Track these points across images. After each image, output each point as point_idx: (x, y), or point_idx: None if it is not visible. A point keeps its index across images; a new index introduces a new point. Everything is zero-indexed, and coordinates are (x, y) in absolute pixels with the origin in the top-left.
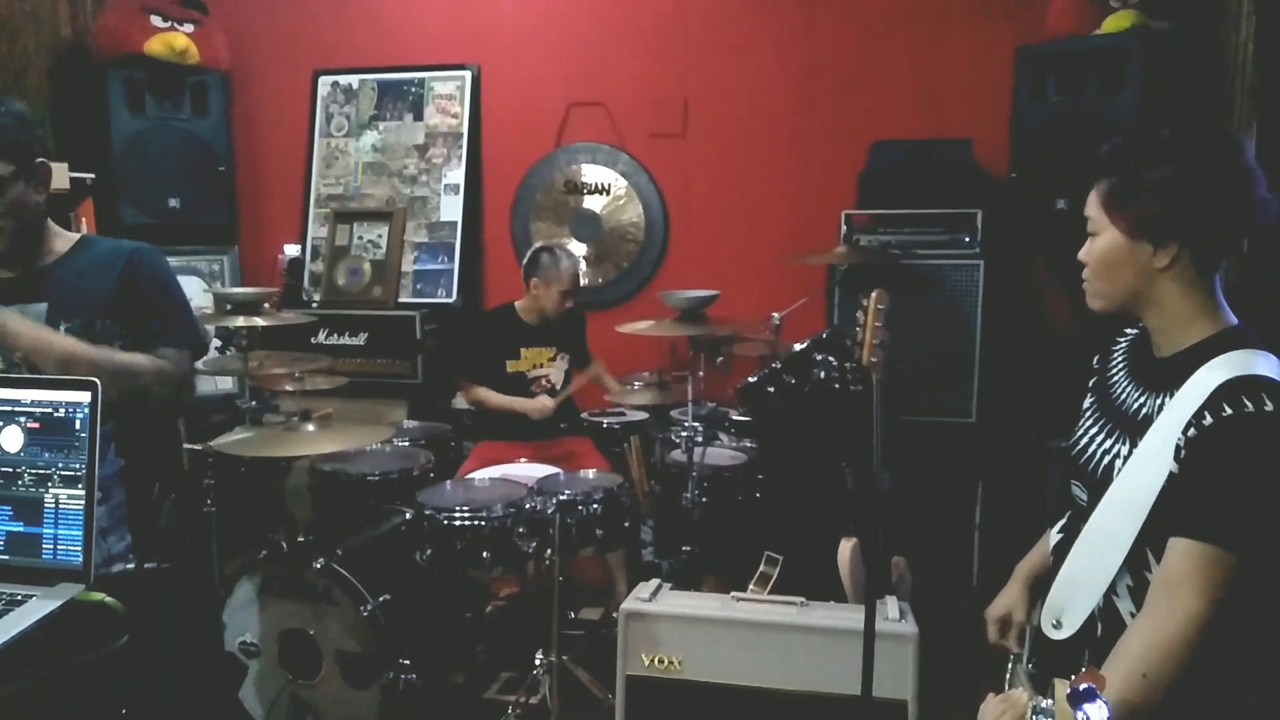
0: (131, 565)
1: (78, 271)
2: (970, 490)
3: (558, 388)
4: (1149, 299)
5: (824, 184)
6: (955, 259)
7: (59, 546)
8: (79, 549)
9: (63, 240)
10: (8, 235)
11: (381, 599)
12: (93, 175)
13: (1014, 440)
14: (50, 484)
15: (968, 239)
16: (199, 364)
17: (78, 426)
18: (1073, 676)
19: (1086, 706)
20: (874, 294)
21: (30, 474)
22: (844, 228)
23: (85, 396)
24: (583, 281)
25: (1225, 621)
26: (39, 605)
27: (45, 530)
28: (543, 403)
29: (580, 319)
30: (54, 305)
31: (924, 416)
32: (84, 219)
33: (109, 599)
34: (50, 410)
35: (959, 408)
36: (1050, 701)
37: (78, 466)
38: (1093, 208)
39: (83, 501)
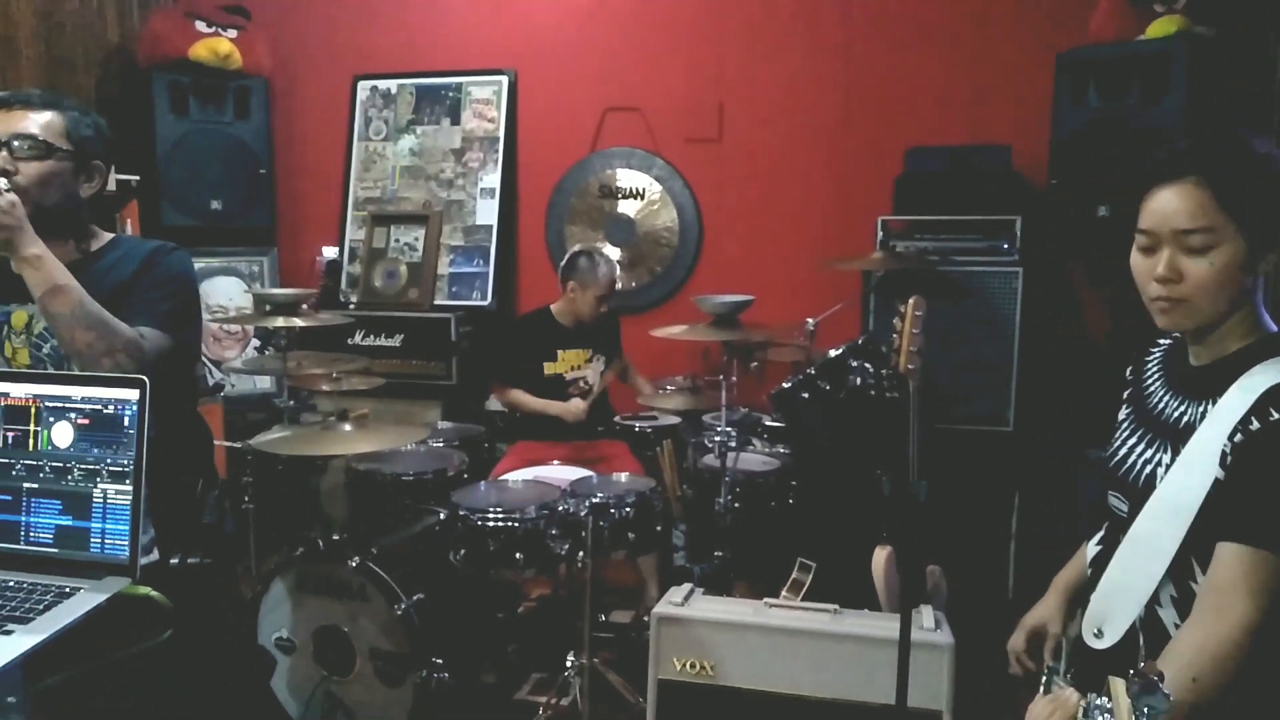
0: (155, 557)
1: (106, 266)
2: (1007, 500)
3: (594, 389)
4: (1233, 310)
5: (860, 189)
6: (993, 266)
7: (106, 541)
8: (126, 543)
9: (97, 240)
10: (33, 203)
11: (415, 598)
12: (137, 178)
13: (1051, 450)
14: (99, 479)
15: (1006, 246)
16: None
17: (126, 423)
18: (1131, 672)
19: (1148, 698)
20: (911, 300)
21: (80, 469)
22: (880, 233)
23: (134, 394)
24: (618, 286)
25: (1275, 627)
26: (86, 598)
27: (94, 524)
28: (576, 406)
29: (615, 322)
30: None
31: (961, 425)
32: (129, 220)
33: (155, 593)
34: (100, 407)
35: (996, 416)
36: (1106, 699)
37: (126, 462)
38: (1204, 215)
39: (130, 497)
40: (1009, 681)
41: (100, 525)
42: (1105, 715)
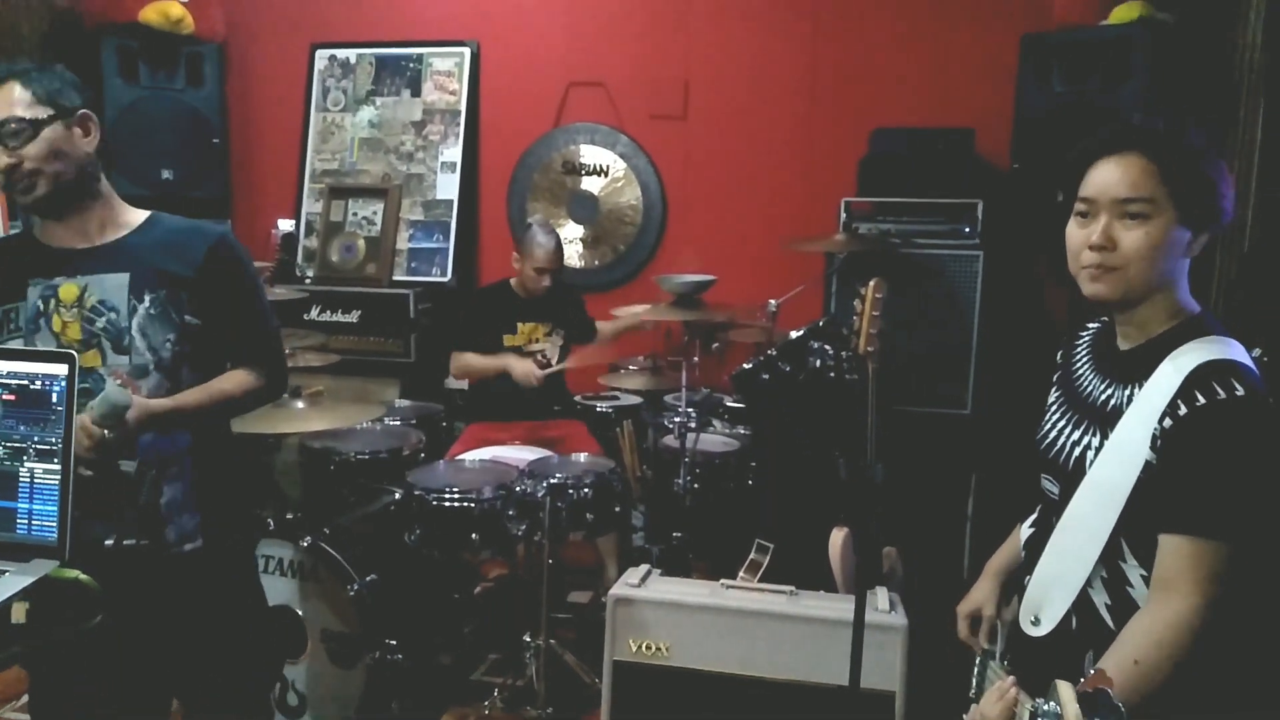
0: (200, 543)
1: (156, 246)
2: (964, 482)
3: (553, 363)
4: (1159, 289)
5: (824, 170)
6: (955, 249)
7: (34, 522)
8: (54, 525)
9: (133, 215)
10: (47, 179)
11: (369, 578)
12: None
13: (1009, 433)
14: (26, 458)
15: (968, 229)
16: None
17: (54, 400)
18: (1081, 680)
19: (1102, 713)
20: (872, 283)
21: (5, 447)
22: (843, 215)
23: (62, 369)
24: (576, 263)
25: (1224, 614)
26: (12, 581)
27: (20, 505)
28: (529, 366)
29: (577, 299)
30: (135, 276)
31: (919, 407)
32: None
33: (84, 576)
34: (26, 382)
35: (954, 399)
36: (1053, 704)
37: (54, 440)
38: (1146, 186)
39: (59, 476)
40: (963, 663)
41: (27, 505)
42: None
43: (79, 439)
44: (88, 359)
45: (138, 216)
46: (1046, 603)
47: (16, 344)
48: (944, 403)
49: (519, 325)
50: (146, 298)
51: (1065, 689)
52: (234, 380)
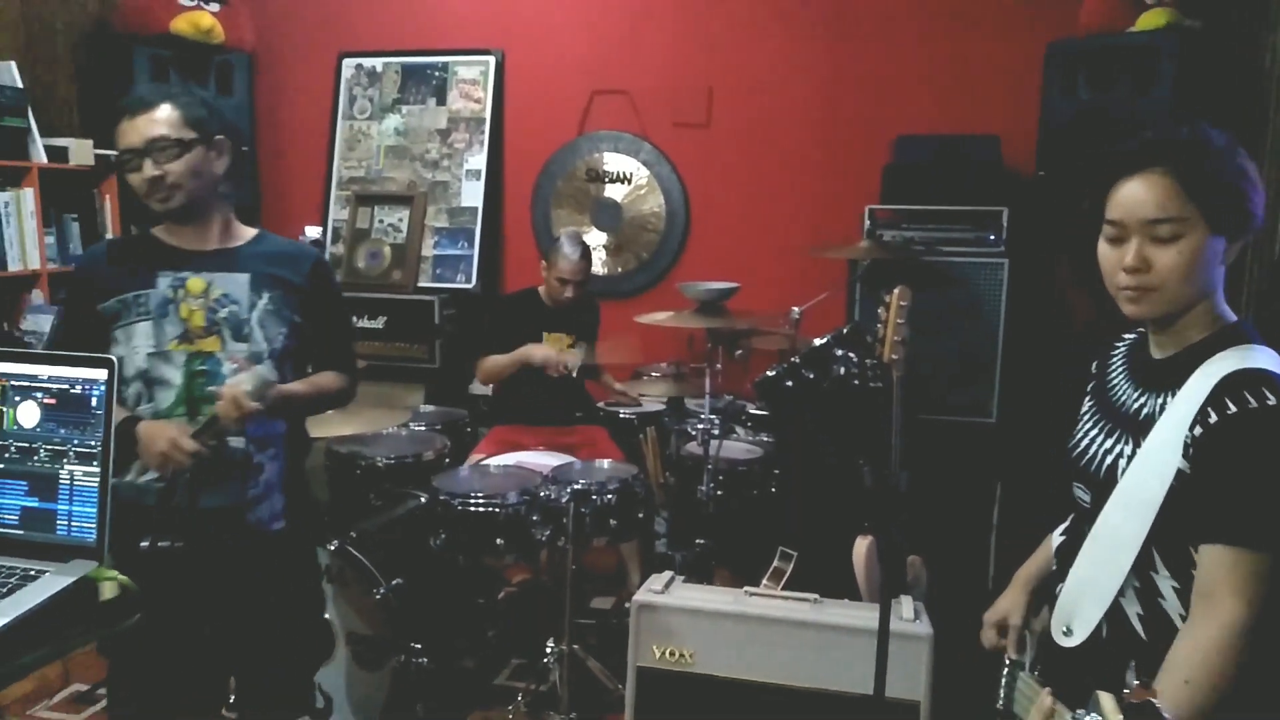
0: (285, 524)
1: (268, 256)
2: (989, 491)
3: (574, 374)
4: (1198, 300)
5: (848, 178)
6: (980, 257)
7: (74, 523)
8: (94, 526)
9: (246, 230)
10: (185, 193)
11: (394, 582)
12: (117, 153)
13: (1035, 442)
14: (66, 460)
15: (993, 237)
16: None
17: (94, 404)
18: (1125, 691)
19: None
20: (896, 290)
21: (46, 449)
22: (867, 222)
23: (102, 374)
24: (599, 270)
25: (1266, 623)
26: (52, 581)
27: (60, 506)
28: (547, 349)
29: (594, 308)
30: (254, 277)
31: (944, 415)
32: (108, 196)
33: (122, 577)
34: (67, 387)
35: (979, 407)
36: (1095, 715)
37: (93, 443)
38: (1173, 205)
39: (98, 478)
40: (988, 672)
41: (67, 507)
42: None
43: (227, 410)
44: (208, 344)
45: (250, 231)
46: (1079, 612)
47: (144, 326)
48: (969, 411)
49: (545, 335)
50: (265, 295)
51: (1107, 699)
52: (329, 378)
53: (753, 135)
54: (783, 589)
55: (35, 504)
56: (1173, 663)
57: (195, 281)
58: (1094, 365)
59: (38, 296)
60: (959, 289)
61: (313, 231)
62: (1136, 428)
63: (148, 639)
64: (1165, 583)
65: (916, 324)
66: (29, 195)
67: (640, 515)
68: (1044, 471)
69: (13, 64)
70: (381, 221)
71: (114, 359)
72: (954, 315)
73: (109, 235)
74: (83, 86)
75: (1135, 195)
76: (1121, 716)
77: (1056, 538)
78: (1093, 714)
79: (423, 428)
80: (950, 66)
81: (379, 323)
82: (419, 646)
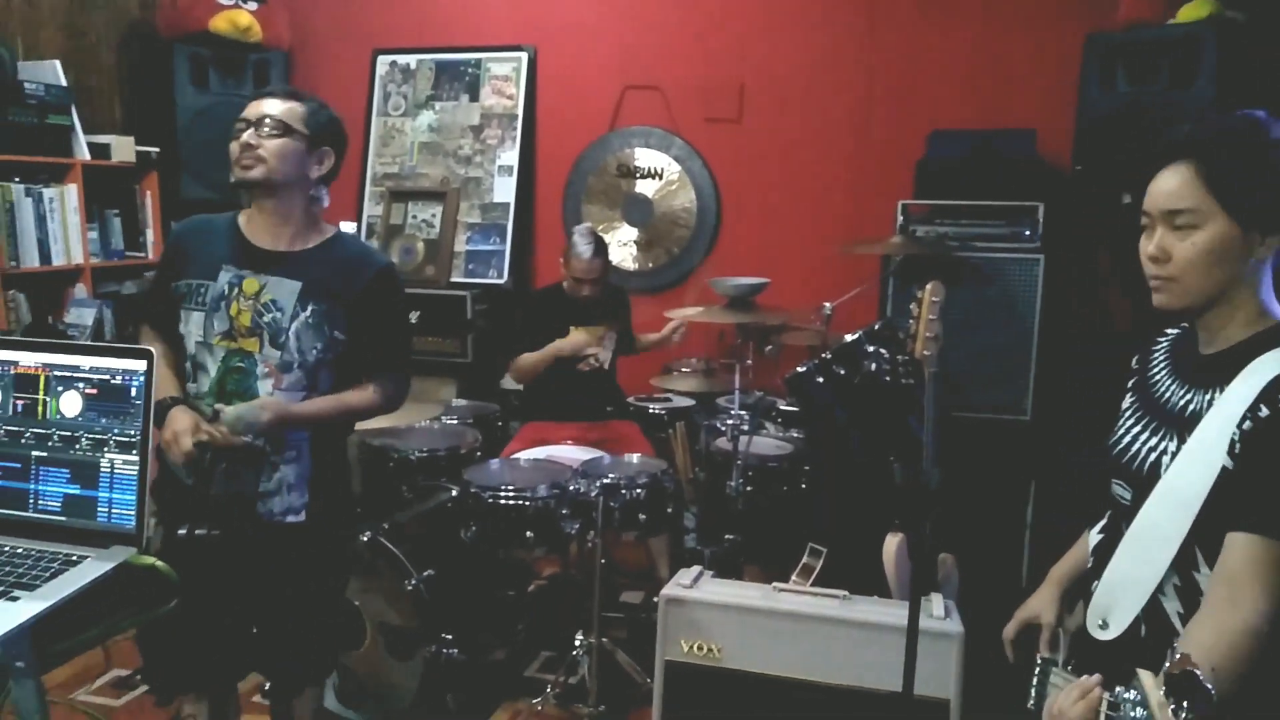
0: (303, 517)
1: (331, 263)
2: (1023, 489)
3: (605, 366)
4: (1231, 295)
5: (881, 173)
6: (1015, 253)
7: (114, 510)
8: (133, 513)
9: (321, 233)
10: (267, 169)
11: (425, 574)
12: (157, 149)
13: (1070, 440)
14: (106, 449)
15: (1028, 232)
16: None
17: (133, 394)
18: (1167, 665)
19: (1191, 694)
20: (929, 286)
21: (88, 438)
22: (900, 218)
23: (141, 365)
24: (630, 265)
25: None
26: (92, 566)
27: (101, 494)
28: (578, 336)
29: (625, 301)
30: (306, 286)
31: (977, 413)
32: (149, 192)
33: (160, 564)
34: (108, 377)
35: (1014, 405)
36: (1135, 693)
37: (133, 433)
38: (1189, 196)
39: (137, 467)
40: (1020, 671)
41: (108, 495)
42: (1140, 710)
43: (215, 439)
44: (248, 344)
45: (326, 233)
46: (1115, 607)
47: (198, 316)
48: (1003, 409)
49: (573, 329)
50: (310, 307)
51: (1148, 676)
52: (359, 397)
53: (785, 130)
54: (812, 585)
55: (77, 491)
56: (1194, 647)
57: (251, 282)
58: (1135, 361)
59: (81, 290)
60: (993, 285)
61: (347, 227)
62: (1181, 424)
63: (180, 624)
64: (1207, 581)
65: (950, 320)
66: (72, 191)
67: (669, 510)
68: (1079, 470)
69: (57, 63)
70: (415, 217)
71: (152, 351)
72: (988, 312)
73: (153, 226)
74: (124, 84)
75: (1159, 186)
76: (1164, 689)
77: (1094, 535)
78: (1134, 690)
79: (455, 421)
80: (986, 60)
81: (412, 318)
82: (449, 637)
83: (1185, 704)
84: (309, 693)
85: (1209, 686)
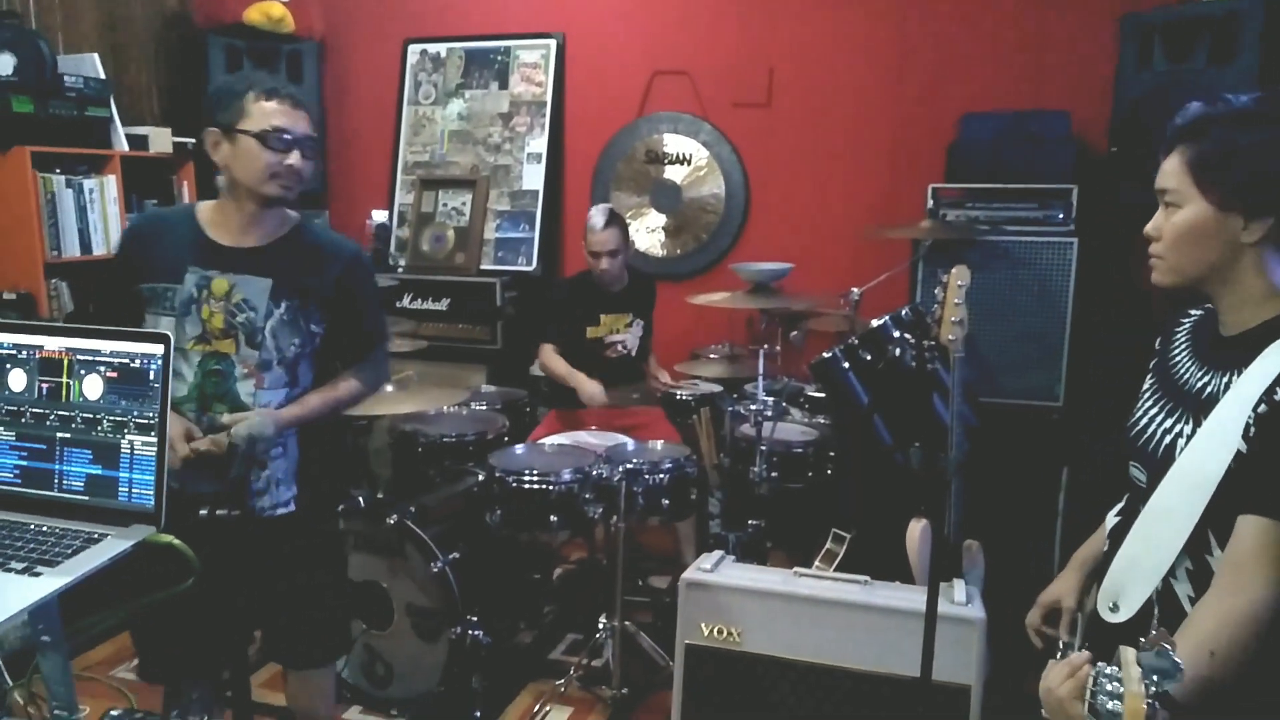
0: (293, 509)
1: (299, 256)
2: (1054, 477)
3: (632, 354)
4: (1227, 275)
5: (912, 156)
6: (1048, 236)
7: (134, 490)
8: (151, 493)
9: (283, 223)
10: (300, 189)
11: (451, 556)
12: (195, 140)
13: (1103, 426)
14: (127, 430)
15: (1062, 215)
16: None
17: (151, 377)
18: (1141, 640)
19: (1158, 665)
20: (954, 270)
21: (109, 420)
22: (930, 201)
23: (158, 349)
24: (658, 252)
25: None
26: (113, 544)
27: (121, 474)
28: (596, 389)
29: (650, 288)
30: (278, 282)
31: (1008, 399)
32: (185, 182)
33: (177, 542)
34: (127, 361)
35: (1045, 391)
36: (1115, 668)
37: (151, 415)
38: (1173, 177)
39: (155, 448)
40: (1046, 658)
41: (128, 475)
42: (1115, 683)
43: (220, 448)
44: (224, 346)
45: (288, 222)
46: (1126, 589)
47: (167, 320)
48: (1035, 394)
49: (601, 317)
50: (283, 304)
51: (1128, 651)
52: (347, 388)
53: (814, 114)
54: (834, 571)
55: (99, 471)
56: (1196, 629)
57: (220, 283)
58: (1157, 342)
59: None
60: (1026, 269)
61: (379, 215)
62: (1198, 407)
63: (191, 606)
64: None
65: (981, 305)
66: (111, 182)
67: (693, 496)
68: (1108, 457)
69: (96, 57)
70: (445, 205)
71: (170, 335)
72: (1020, 296)
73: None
74: (161, 77)
75: (1161, 168)
76: (1138, 665)
77: (1111, 518)
78: (1113, 666)
79: (484, 407)
80: (1019, 40)
81: (443, 304)
82: (475, 619)
83: (1155, 679)
84: (320, 673)
85: (1178, 661)
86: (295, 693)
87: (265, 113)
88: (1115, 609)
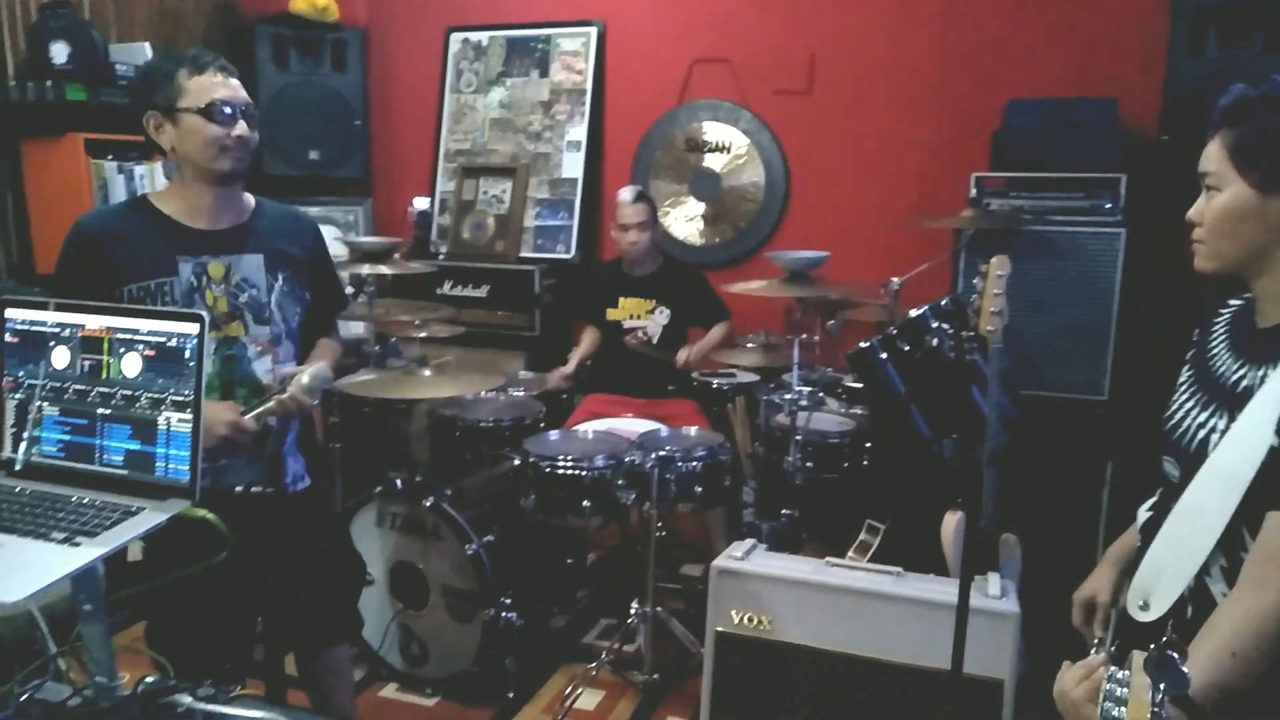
0: (308, 483)
1: (273, 229)
2: (1098, 472)
3: (654, 341)
4: (1266, 261)
5: (954, 144)
6: (1094, 226)
7: (170, 465)
8: (187, 468)
9: (249, 200)
10: (249, 158)
11: (486, 539)
12: (209, 102)
13: (1148, 421)
14: (163, 407)
15: (1109, 205)
16: None
17: (187, 356)
18: (1151, 646)
19: (1165, 675)
20: (994, 260)
21: (147, 397)
22: (973, 190)
23: (194, 329)
24: (696, 240)
25: None
26: (149, 517)
27: (158, 450)
28: (558, 374)
29: (696, 278)
30: (268, 256)
31: (1051, 392)
32: None
33: (211, 516)
34: (164, 340)
35: (1090, 384)
36: (1126, 672)
37: (187, 392)
38: (1214, 160)
39: (191, 425)
40: (1083, 654)
41: (165, 450)
42: (1124, 689)
43: (288, 408)
44: (232, 330)
45: (250, 201)
46: (1156, 588)
47: None
48: (1078, 388)
49: (621, 300)
50: (280, 276)
51: (1138, 657)
52: (335, 349)
53: (855, 102)
54: (868, 562)
55: (137, 447)
56: (1219, 629)
57: (215, 267)
58: (1195, 333)
59: None
60: (1071, 260)
61: (421, 203)
62: (1233, 401)
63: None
64: None
65: (1024, 296)
66: (159, 169)
67: (726, 483)
68: (1144, 451)
69: (146, 45)
70: (486, 193)
71: (205, 315)
72: (1065, 287)
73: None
74: None
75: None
76: (1146, 676)
77: (1143, 513)
78: (1124, 671)
79: (521, 394)
80: (1067, 25)
81: (482, 291)
82: (509, 601)
83: (1161, 685)
84: (336, 652)
85: (1185, 670)
86: (313, 675)
87: (203, 87)
88: (1146, 607)
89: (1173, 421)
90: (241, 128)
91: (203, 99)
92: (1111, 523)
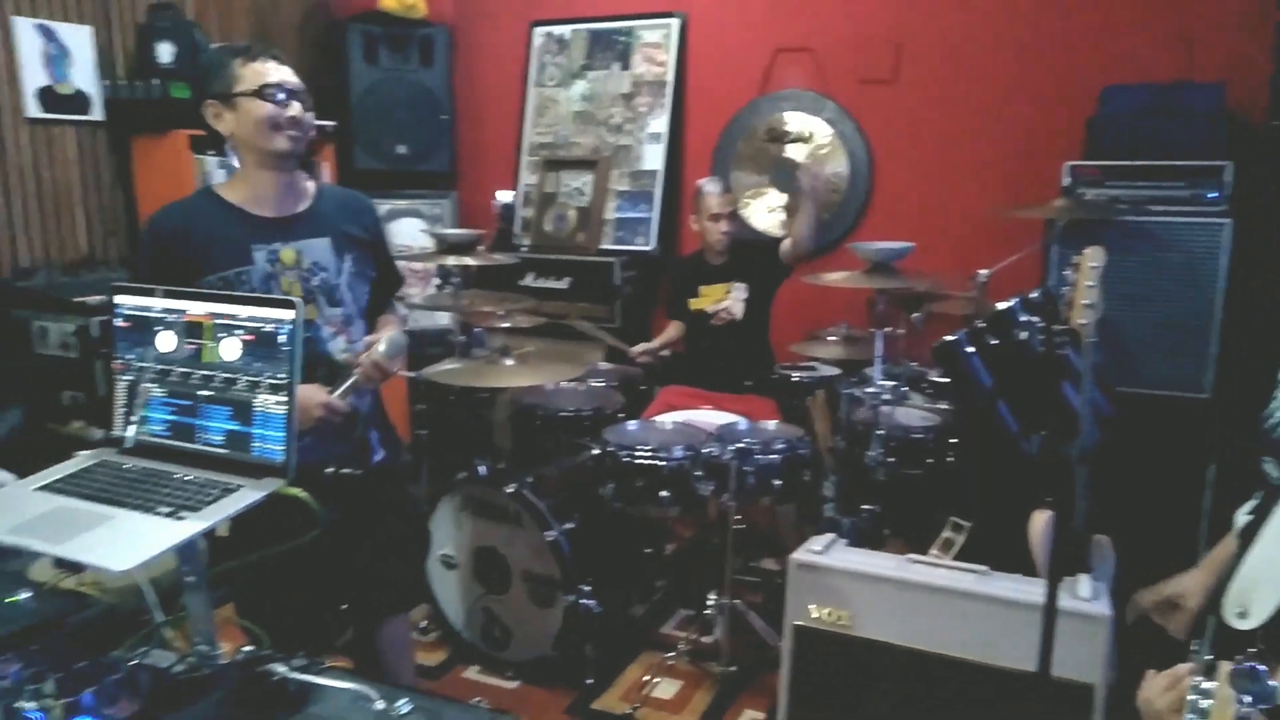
0: (384, 454)
1: (335, 212)
2: (1199, 473)
3: (738, 319)
4: None
5: (1046, 132)
6: (1197, 216)
7: (266, 445)
8: (282, 448)
9: (309, 185)
10: (306, 140)
11: (566, 527)
12: (334, 123)
13: (1255, 421)
14: (260, 390)
15: (1213, 194)
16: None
17: (282, 341)
18: (1238, 657)
19: (1252, 686)
20: (1087, 251)
21: (245, 380)
22: (1066, 179)
23: (290, 314)
24: (779, 231)
25: None
26: (247, 494)
27: (255, 430)
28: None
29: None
30: (334, 239)
31: (1149, 389)
32: (326, 163)
33: (304, 494)
34: (261, 325)
35: (1191, 381)
36: (1213, 684)
37: (283, 376)
38: None
39: (286, 407)
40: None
41: (261, 431)
42: (1208, 701)
43: (370, 375)
44: (308, 312)
45: (311, 185)
46: (1256, 595)
47: None
48: (1179, 385)
49: (701, 289)
50: (347, 258)
51: (1224, 668)
52: (400, 324)
53: (942, 90)
54: (953, 559)
55: (236, 427)
56: None
57: (287, 253)
58: None
59: None
60: (1171, 251)
61: (504, 196)
62: None
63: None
64: None
65: (1120, 289)
66: None
67: (805, 477)
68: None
69: None
70: (567, 185)
71: (299, 301)
72: (1163, 280)
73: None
74: (304, 63)
75: None
76: (1232, 689)
77: (1242, 516)
78: (1211, 682)
79: (601, 384)
80: (1167, 6)
81: (564, 283)
82: (588, 589)
83: (1248, 699)
84: (398, 621)
85: (1273, 685)
86: (377, 647)
87: (256, 73)
88: (1244, 615)
89: (1273, 419)
90: (296, 108)
91: (256, 82)
92: (1213, 527)
